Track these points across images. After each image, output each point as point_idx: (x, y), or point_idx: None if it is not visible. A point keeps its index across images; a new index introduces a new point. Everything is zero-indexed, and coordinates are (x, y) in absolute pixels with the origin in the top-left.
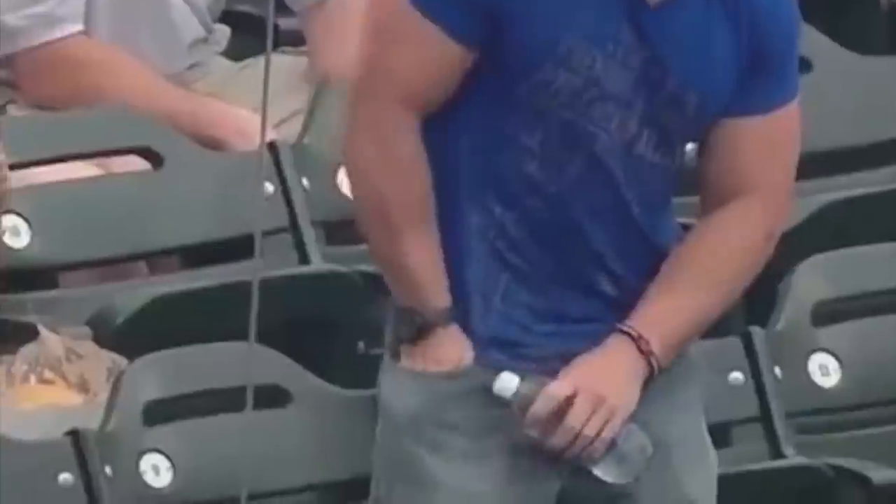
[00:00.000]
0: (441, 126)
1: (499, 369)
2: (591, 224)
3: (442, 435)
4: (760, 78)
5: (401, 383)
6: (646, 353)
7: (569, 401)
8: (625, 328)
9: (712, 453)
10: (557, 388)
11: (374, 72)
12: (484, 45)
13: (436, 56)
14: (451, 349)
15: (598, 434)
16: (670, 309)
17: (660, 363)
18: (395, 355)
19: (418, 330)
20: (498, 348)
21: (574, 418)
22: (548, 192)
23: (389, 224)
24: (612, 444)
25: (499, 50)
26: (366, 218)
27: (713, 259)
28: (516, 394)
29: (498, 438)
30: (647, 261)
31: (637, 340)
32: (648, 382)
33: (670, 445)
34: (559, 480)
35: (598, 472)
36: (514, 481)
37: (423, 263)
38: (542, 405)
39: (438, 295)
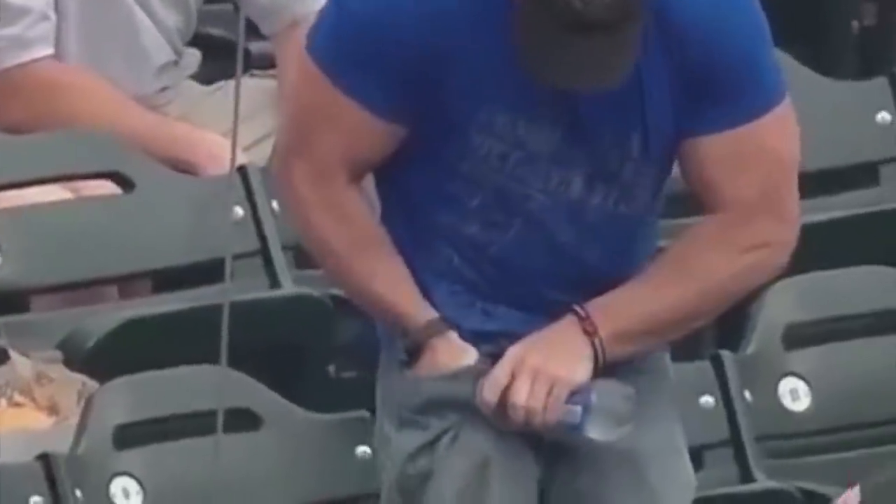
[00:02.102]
0: (395, 180)
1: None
2: (541, 279)
3: (424, 418)
4: (709, 99)
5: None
6: (590, 335)
7: (510, 383)
8: (576, 307)
9: (687, 463)
10: (496, 376)
11: (304, 145)
12: (411, 115)
13: (363, 134)
14: (454, 358)
15: (545, 405)
16: (627, 298)
17: (605, 348)
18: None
19: (412, 351)
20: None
21: (515, 396)
22: (491, 252)
23: (345, 264)
24: (586, 405)
25: (426, 119)
26: (325, 265)
27: (683, 260)
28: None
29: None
30: None
31: (583, 321)
32: (599, 366)
33: (645, 459)
34: (538, 466)
35: (588, 434)
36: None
37: (391, 285)
38: (487, 395)
39: (418, 310)
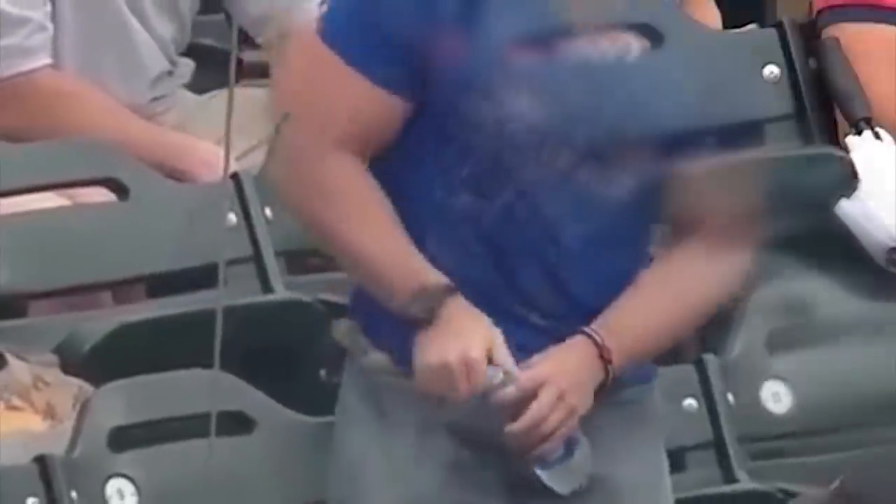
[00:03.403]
0: (388, 161)
1: None
2: (521, 259)
3: (387, 435)
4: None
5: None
6: (605, 362)
7: (535, 392)
8: (590, 332)
9: (667, 491)
10: (528, 377)
11: (309, 118)
12: (411, 83)
13: (369, 106)
14: (473, 325)
15: (553, 431)
16: (638, 322)
17: (615, 374)
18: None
19: (432, 309)
20: None
21: (537, 409)
22: (479, 228)
23: (348, 238)
24: (567, 453)
25: (427, 86)
26: (327, 249)
27: (682, 284)
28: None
29: (441, 445)
30: (593, 298)
31: (600, 348)
32: (599, 391)
33: (622, 492)
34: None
35: (545, 477)
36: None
37: (396, 249)
38: (511, 391)
39: (434, 273)
